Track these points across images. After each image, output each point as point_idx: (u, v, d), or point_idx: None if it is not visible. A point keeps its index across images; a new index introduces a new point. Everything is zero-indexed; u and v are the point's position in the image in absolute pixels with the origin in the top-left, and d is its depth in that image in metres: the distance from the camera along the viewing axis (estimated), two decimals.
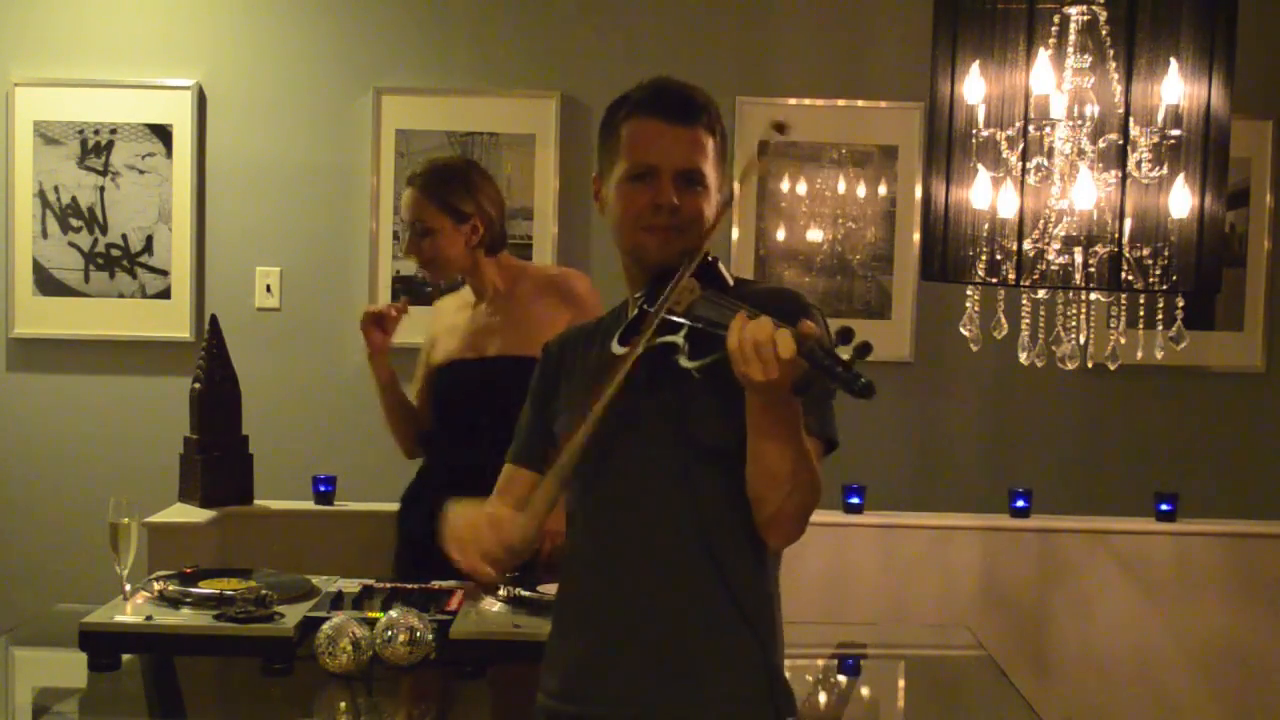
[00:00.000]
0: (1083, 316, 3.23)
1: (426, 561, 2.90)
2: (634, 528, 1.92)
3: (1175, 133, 3.04)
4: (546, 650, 2.04)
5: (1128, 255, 3.05)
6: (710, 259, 1.93)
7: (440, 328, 3.35)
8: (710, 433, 1.87)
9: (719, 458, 1.87)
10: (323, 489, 3.73)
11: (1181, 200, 3.03)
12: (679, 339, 1.81)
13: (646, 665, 1.90)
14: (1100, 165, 3.07)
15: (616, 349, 1.88)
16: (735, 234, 4.45)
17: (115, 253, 4.43)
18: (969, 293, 3.25)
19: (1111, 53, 3.07)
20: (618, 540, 1.93)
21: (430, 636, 2.41)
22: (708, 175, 1.95)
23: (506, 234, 3.32)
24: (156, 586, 2.61)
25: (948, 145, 3.15)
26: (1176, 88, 3.01)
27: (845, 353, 1.63)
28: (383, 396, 3.31)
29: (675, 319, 1.83)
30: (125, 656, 2.51)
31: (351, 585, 2.71)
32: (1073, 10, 3.09)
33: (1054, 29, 3.09)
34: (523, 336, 3.12)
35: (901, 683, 2.95)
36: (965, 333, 3.26)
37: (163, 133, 4.42)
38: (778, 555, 1.98)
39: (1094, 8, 3.08)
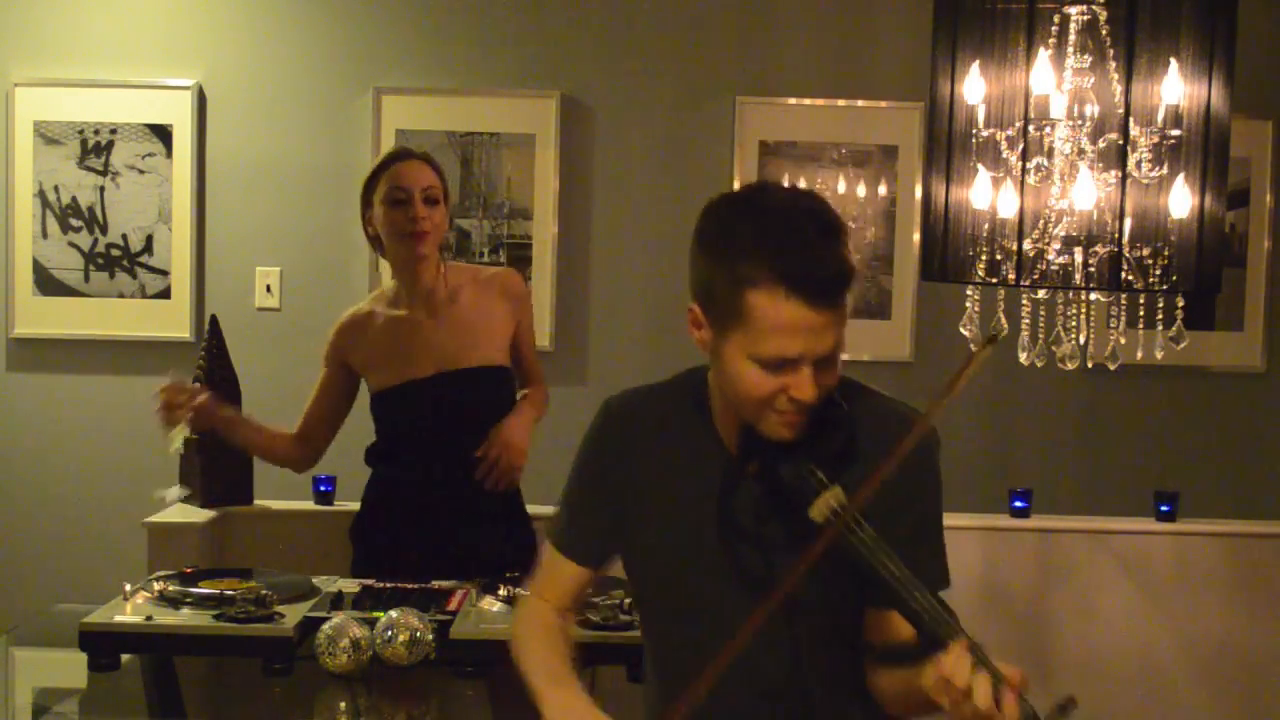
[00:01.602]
0: (1083, 316, 3.22)
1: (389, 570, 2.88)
2: (728, 685, 1.73)
3: (1175, 133, 3.03)
4: None
5: (1128, 255, 3.05)
6: (843, 411, 1.72)
7: (375, 347, 3.12)
8: (824, 629, 1.77)
9: (833, 638, 1.78)
10: (323, 489, 3.73)
11: (1181, 200, 3.03)
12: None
13: None
14: (1100, 165, 3.07)
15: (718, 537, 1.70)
16: None
17: (115, 253, 4.43)
18: (969, 293, 3.24)
19: (1111, 53, 3.06)
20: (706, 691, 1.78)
21: (430, 636, 2.41)
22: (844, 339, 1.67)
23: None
24: (156, 586, 2.61)
25: (948, 145, 3.14)
26: (1176, 88, 3.01)
27: None
28: (248, 444, 3.26)
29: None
30: (125, 656, 2.51)
31: (351, 585, 2.71)
32: (1073, 10, 3.09)
33: (1054, 29, 3.09)
34: (493, 343, 3.09)
35: None
36: (965, 333, 3.26)
37: (163, 133, 4.42)
38: None
39: (1094, 8, 3.08)
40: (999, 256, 3.11)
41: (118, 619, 2.46)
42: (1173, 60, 3.00)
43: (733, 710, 1.78)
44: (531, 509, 3.17)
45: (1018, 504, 3.91)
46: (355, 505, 3.78)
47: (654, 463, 1.82)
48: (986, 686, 1.53)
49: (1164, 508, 3.89)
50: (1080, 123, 3.08)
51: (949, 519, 4.21)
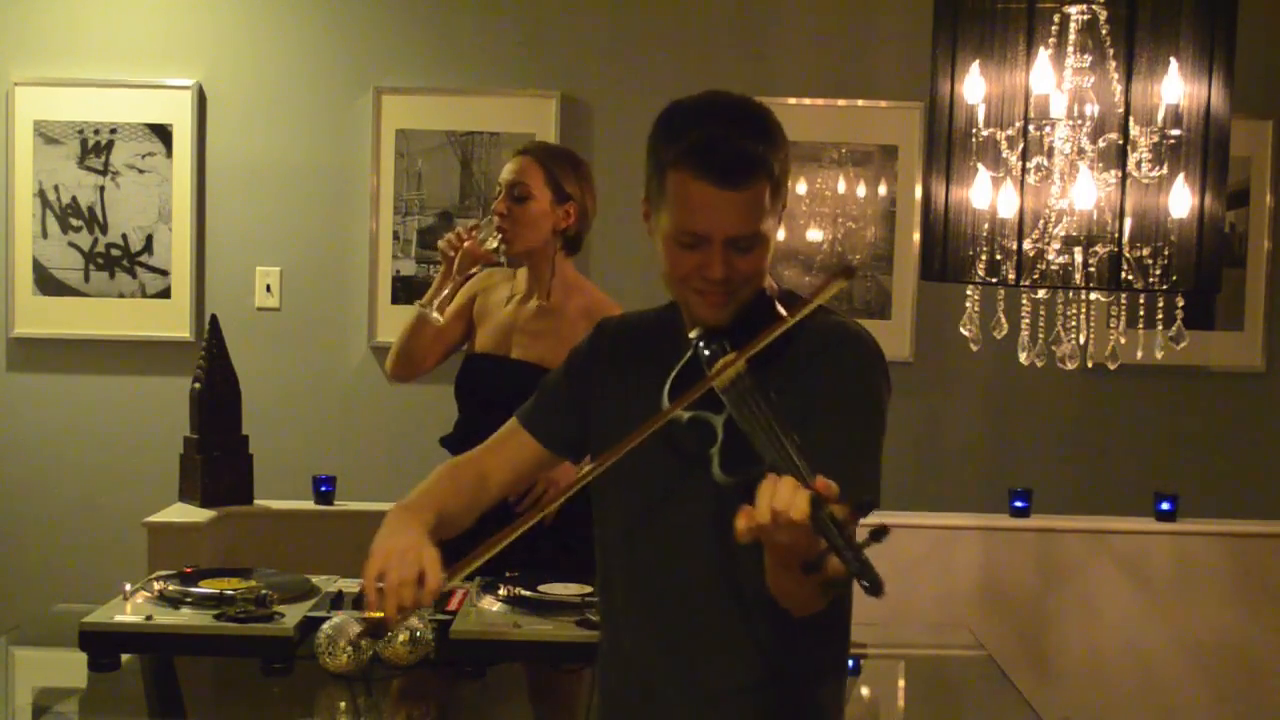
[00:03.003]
0: (1083, 316, 3.22)
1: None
2: (671, 594, 1.88)
3: (1175, 133, 3.03)
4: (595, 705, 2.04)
5: (1128, 255, 3.05)
6: (771, 301, 1.84)
7: (489, 305, 3.26)
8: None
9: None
10: (323, 489, 3.73)
11: (1181, 200, 3.03)
12: (718, 426, 1.72)
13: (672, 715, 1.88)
14: (1100, 165, 3.07)
15: (667, 404, 1.77)
16: None
17: (115, 252, 4.43)
18: (969, 292, 3.24)
19: (1111, 52, 3.06)
20: (654, 606, 1.90)
21: (430, 636, 2.41)
22: (764, 231, 1.80)
23: (581, 242, 3.23)
24: (156, 586, 2.61)
25: (948, 145, 3.14)
26: (1176, 88, 3.01)
27: (861, 533, 1.51)
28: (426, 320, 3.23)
29: (721, 394, 1.72)
30: (125, 656, 2.51)
31: (351, 585, 2.70)
32: (1073, 10, 3.09)
33: (1054, 29, 3.09)
34: (551, 351, 3.08)
35: (901, 683, 2.95)
36: (965, 333, 3.26)
37: (163, 133, 4.42)
38: (842, 605, 1.93)
39: (1094, 7, 3.08)
40: (999, 256, 3.11)
41: (118, 619, 2.46)
42: (1173, 60, 3.00)
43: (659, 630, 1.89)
44: None
45: (1018, 504, 3.91)
46: (356, 505, 3.80)
47: (630, 364, 1.95)
48: (804, 501, 1.54)
49: (1164, 508, 3.89)
50: (1080, 122, 3.08)
51: (948, 518, 4.23)
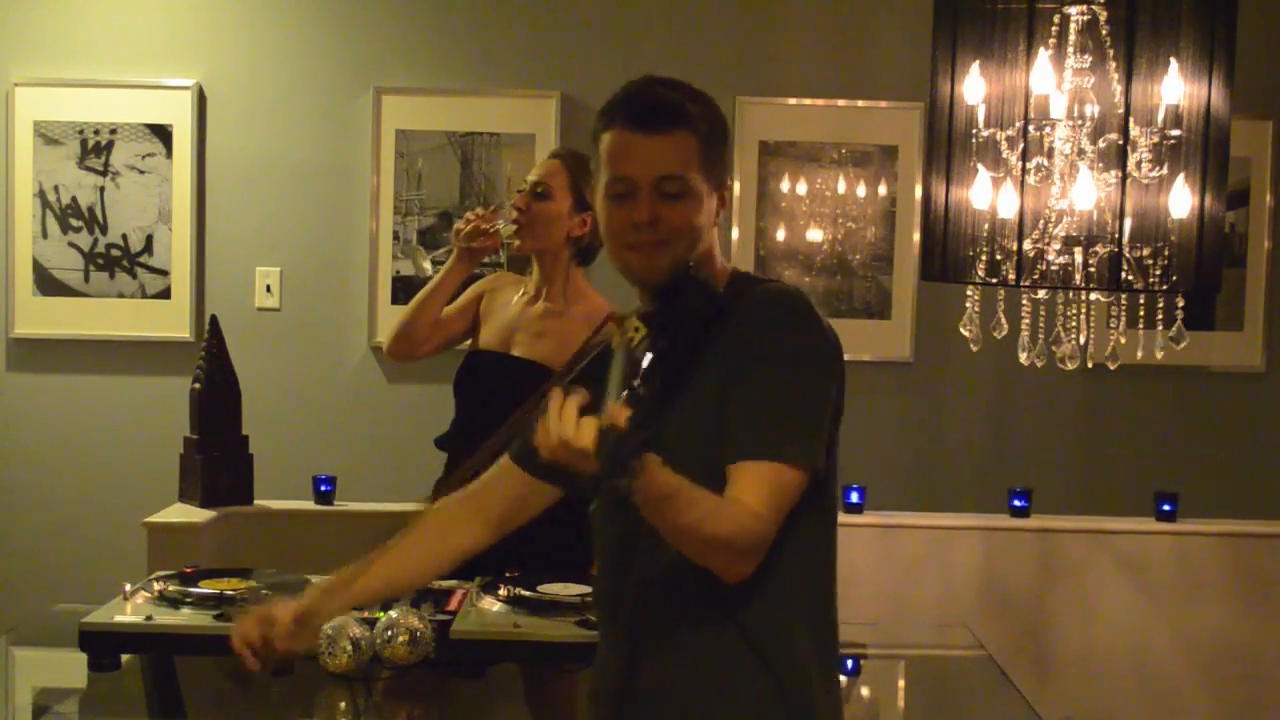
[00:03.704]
0: (1083, 316, 3.22)
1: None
2: (639, 563, 1.87)
3: (1175, 133, 3.03)
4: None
5: (1128, 255, 3.05)
6: (689, 269, 1.84)
7: (495, 304, 3.28)
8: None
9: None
10: (323, 489, 3.73)
11: (1181, 200, 3.03)
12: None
13: (658, 702, 1.86)
14: (1100, 165, 3.07)
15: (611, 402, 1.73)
16: (735, 234, 4.45)
17: (115, 253, 4.43)
18: (969, 293, 3.24)
19: (1111, 53, 3.06)
20: (625, 576, 1.89)
21: (430, 636, 2.41)
22: (692, 180, 1.83)
23: (595, 254, 3.23)
24: (156, 586, 2.61)
25: (948, 145, 3.14)
26: (1176, 88, 3.01)
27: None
28: (437, 291, 3.28)
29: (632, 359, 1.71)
30: (125, 656, 2.51)
31: None
32: (1073, 10, 3.09)
33: (1054, 29, 3.09)
34: (553, 352, 3.07)
35: (901, 683, 2.95)
36: (965, 333, 3.26)
37: (163, 133, 4.42)
38: (817, 581, 1.90)
39: (1094, 8, 3.08)
40: (999, 256, 3.11)
41: (118, 619, 2.46)
42: (1173, 60, 3.00)
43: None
44: None
45: (1018, 504, 3.92)
46: (356, 505, 3.80)
47: (596, 386, 1.93)
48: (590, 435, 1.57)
49: (1164, 508, 3.89)
50: (1080, 123, 3.08)
51: (948, 518, 4.22)
